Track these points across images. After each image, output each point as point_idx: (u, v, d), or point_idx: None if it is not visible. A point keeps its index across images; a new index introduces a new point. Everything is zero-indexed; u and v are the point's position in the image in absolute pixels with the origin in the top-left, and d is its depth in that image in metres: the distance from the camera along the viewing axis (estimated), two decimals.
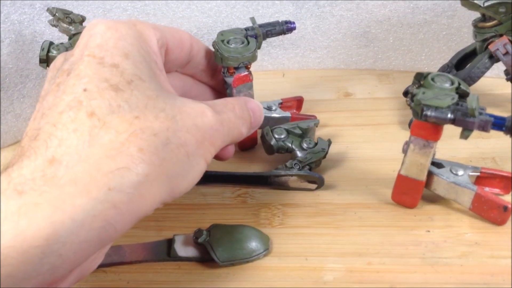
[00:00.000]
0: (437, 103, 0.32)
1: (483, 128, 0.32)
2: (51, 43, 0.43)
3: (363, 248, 0.35)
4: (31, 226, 0.23)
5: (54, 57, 0.42)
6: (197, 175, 0.29)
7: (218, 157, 0.35)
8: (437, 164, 0.37)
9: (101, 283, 0.34)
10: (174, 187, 0.28)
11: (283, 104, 0.47)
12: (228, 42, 0.39)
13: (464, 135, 0.32)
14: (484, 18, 0.46)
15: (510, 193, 0.38)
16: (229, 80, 0.40)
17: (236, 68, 0.40)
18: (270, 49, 0.59)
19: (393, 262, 0.34)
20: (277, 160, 0.43)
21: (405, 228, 0.37)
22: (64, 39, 0.47)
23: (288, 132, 0.42)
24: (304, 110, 0.49)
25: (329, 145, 0.42)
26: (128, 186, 0.25)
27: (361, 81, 0.56)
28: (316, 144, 0.42)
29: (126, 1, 0.55)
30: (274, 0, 0.56)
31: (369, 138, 0.47)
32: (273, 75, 0.58)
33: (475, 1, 0.44)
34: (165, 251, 0.35)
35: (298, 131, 0.42)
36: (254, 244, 0.35)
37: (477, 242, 0.35)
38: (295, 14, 0.57)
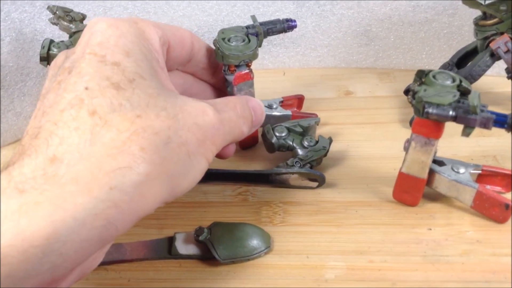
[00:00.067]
0: (438, 100, 0.32)
1: (485, 125, 0.32)
2: (51, 41, 0.43)
3: (364, 246, 0.35)
4: (32, 225, 0.23)
5: (54, 55, 0.42)
6: (198, 174, 0.29)
7: (219, 155, 0.34)
8: (438, 162, 0.37)
9: (102, 280, 0.34)
10: (175, 186, 0.28)
11: (283, 103, 0.47)
12: (229, 40, 0.39)
13: (466, 132, 0.32)
14: (485, 16, 0.46)
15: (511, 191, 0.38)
16: (230, 78, 0.40)
17: (237, 66, 0.39)
18: (271, 47, 0.59)
19: (395, 260, 0.34)
20: (278, 158, 0.43)
21: (406, 226, 0.37)
22: (65, 37, 0.46)
23: (289, 130, 0.42)
24: (305, 109, 0.49)
25: (330, 143, 0.42)
26: (130, 185, 0.25)
27: (362, 80, 0.56)
28: (317, 142, 0.42)
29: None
30: None
31: (370, 137, 0.47)
32: (273, 74, 0.58)
33: None
34: (166, 249, 0.35)
35: (299, 129, 0.42)
36: (255, 242, 0.35)
37: (479, 240, 0.35)
38: (296, 12, 0.57)
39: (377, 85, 0.55)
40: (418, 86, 0.34)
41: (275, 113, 0.46)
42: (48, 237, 0.23)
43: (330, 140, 0.42)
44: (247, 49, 0.39)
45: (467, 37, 0.54)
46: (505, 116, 0.32)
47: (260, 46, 0.41)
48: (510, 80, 0.46)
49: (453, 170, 0.37)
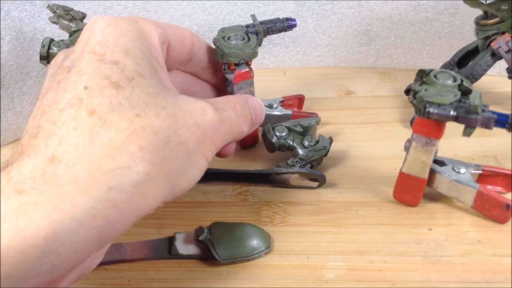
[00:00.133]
0: (439, 100, 0.32)
1: (486, 125, 0.32)
2: (51, 40, 0.43)
3: (364, 247, 0.35)
4: (31, 225, 0.22)
5: (54, 54, 0.42)
6: (198, 173, 0.29)
7: (218, 154, 0.34)
8: (439, 162, 0.37)
9: (102, 280, 0.34)
10: (175, 186, 0.28)
11: (284, 102, 0.47)
12: (228, 39, 0.39)
13: (467, 132, 0.32)
14: (486, 16, 0.46)
15: None
16: (230, 77, 0.40)
17: (237, 65, 0.39)
18: (271, 47, 0.59)
19: (395, 260, 0.34)
20: (278, 158, 0.43)
21: (406, 226, 0.37)
22: (65, 36, 0.46)
23: (290, 130, 0.42)
24: (305, 108, 0.49)
25: (330, 143, 0.42)
26: (129, 185, 0.25)
27: (363, 79, 0.56)
28: (317, 142, 0.42)
29: None
30: None
31: (371, 136, 0.46)
32: (274, 73, 0.58)
33: None
34: (166, 249, 0.35)
35: (299, 129, 0.42)
36: (255, 242, 0.35)
37: (479, 240, 0.35)
38: (296, 12, 0.57)
39: (377, 84, 0.55)
40: (419, 85, 0.34)
41: (276, 112, 0.45)
42: (47, 237, 0.23)
43: (331, 140, 0.42)
44: (247, 47, 0.39)
45: (468, 37, 0.54)
46: (506, 116, 0.32)
47: (260, 45, 0.41)
48: (511, 80, 0.46)
49: (454, 170, 0.37)
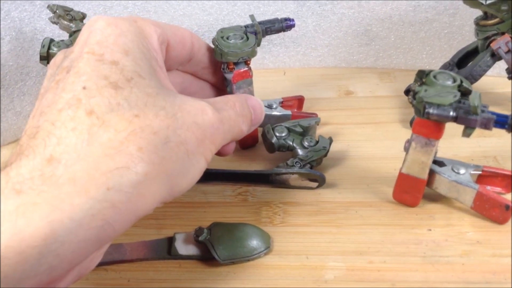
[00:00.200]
0: (439, 101, 0.32)
1: (486, 126, 0.32)
2: (51, 40, 0.43)
3: (364, 247, 0.35)
4: (29, 225, 0.22)
5: (54, 54, 0.42)
6: (197, 173, 0.29)
7: (218, 153, 0.34)
8: (438, 163, 0.37)
9: (102, 281, 0.34)
10: (174, 186, 0.28)
11: (283, 103, 0.47)
12: (227, 38, 0.39)
13: (466, 133, 0.32)
14: (486, 16, 0.46)
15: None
16: (229, 76, 0.40)
17: (236, 64, 0.39)
18: (271, 47, 0.59)
19: (394, 260, 0.34)
20: (278, 158, 0.43)
21: (406, 226, 0.37)
22: (65, 36, 0.46)
23: (289, 130, 0.42)
24: (305, 108, 0.49)
25: (330, 143, 0.42)
26: (127, 185, 0.25)
27: (362, 80, 0.56)
28: (317, 142, 0.42)
29: None
30: None
31: (370, 137, 0.46)
32: (274, 73, 0.58)
33: None
34: (165, 249, 0.35)
35: (299, 129, 0.42)
36: (255, 243, 0.35)
37: (479, 240, 0.35)
38: (296, 12, 0.57)
39: (377, 85, 0.55)
40: (419, 86, 0.34)
41: (275, 113, 0.46)
42: (46, 237, 0.23)
43: (330, 140, 0.42)
44: (246, 46, 0.39)
45: (467, 37, 0.54)
46: (505, 116, 0.32)
47: (258, 45, 0.41)
48: (510, 81, 0.46)
49: (453, 171, 0.37)
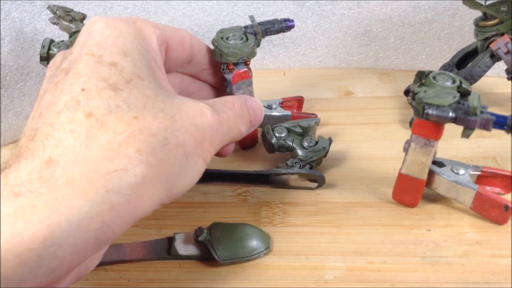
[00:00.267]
0: (438, 102, 0.32)
1: (485, 126, 0.32)
2: (51, 41, 0.43)
3: (364, 247, 0.35)
4: (28, 228, 0.22)
5: (55, 55, 0.42)
6: (196, 175, 0.29)
7: (217, 154, 0.34)
8: (438, 163, 0.37)
9: (102, 281, 0.34)
10: (173, 188, 0.27)
11: (283, 104, 0.47)
12: (227, 39, 0.39)
13: (466, 134, 0.32)
14: (485, 17, 0.46)
15: (511, 192, 0.38)
16: (229, 76, 0.40)
17: (235, 65, 0.40)
18: (271, 47, 0.59)
19: (394, 261, 0.34)
20: (277, 159, 0.43)
21: (406, 227, 0.37)
22: (65, 37, 0.46)
23: (289, 130, 0.42)
24: (305, 109, 0.49)
25: (330, 144, 0.42)
26: (126, 187, 0.25)
27: (362, 80, 0.56)
28: (317, 142, 0.42)
29: None
30: None
31: (370, 137, 0.47)
32: (274, 74, 0.58)
33: (476, 0, 0.44)
34: (165, 250, 0.35)
35: (298, 130, 0.42)
36: (254, 243, 0.35)
37: (478, 241, 0.35)
38: (296, 12, 0.57)
39: (377, 85, 0.55)
40: (418, 87, 0.34)
41: (275, 113, 0.46)
42: (44, 240, 0.23)
43: (330, 141, 0.42)
44: (245, 47, 0.39)
45: (467, 38, 0.54)
46: (504, 117, 0.32)
47: (258, 46, 0.41)
48: (510, 81, 0.46)
49: (453, 171, 0.37)
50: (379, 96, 0.53)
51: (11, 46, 0.49)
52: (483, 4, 0.44)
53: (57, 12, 0.45)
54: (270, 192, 0.41)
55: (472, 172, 0.37)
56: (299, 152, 0.41)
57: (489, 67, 0.46)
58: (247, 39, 0.40)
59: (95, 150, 0.25)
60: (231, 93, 0.41)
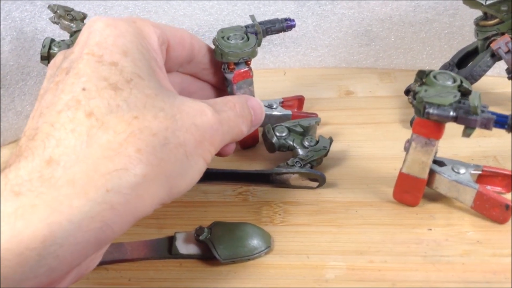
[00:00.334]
0: (439, 101, 0.32)
1: (486, 126, 0.32)
2: (52, 40, 0.43)
3: (364, 246, 0.35)
4: (28, 227, 0.22)
5: (55, 54, 0.42)
6: (196, 175, 0.29)
7: (218, 154, 0.34)
8: (438, 163, 0.37)
9: (103, 280, 0.34)
10: (173, 187, 0.27)
11: (284, 103, 0.47)
12: (228, 39, 0.39)
13: (467, 133, 0.32)
14: (486, 17, 0.46)
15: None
16: (229, 76, 0.40)
17: (236, 64, 0.40)
18: (272, 47, 0.59)
19: (395, 260, 0.34)
20: (278, 158, 0.43)
21: (406, 226, 0.37)
22: (66, 36, 0.46)
23: (290, 130, 0.42)
24: (305, 109, 0.49)
25: (330, 143, 0.42)
26: (126, 187, 0.25)
27: (362, 80, 0.56)
28: (317, 142, 0.42)
29: None
30: None
31: (371, 137, 0.47)
32: (274, 74, 0.58)
33: (477, 0, 0.44)
34: (166, 249, 0.35)
35: (299, 129, 0.42)
36: (255, 242, 0.35)
37: (479, 240, 0.35)
38: (297, 12, 0.57)
39: (377, 85, 0.55)
40: (419, 86, 0.34)
41: (275, 112, 0.46)
42: (44, 239, 0.23)
43: (331, 140, 0.42)
44: (246, 47, 0.39)
45: (467, 37, 0.54)
46: (505, 116, 0.32)
47: (259, 45, 0.41)
48: (510, 81, 0.46)
49: (454, 171, 0.37)
50: (379, 96, 0.53)
51: (12, 45, 0.49)
52: (484, 3, 0.44)
53: (58, 11, 0.45)
54: (270, 191, 0.41)
55: (472, 172, 0.37)
56: (300, 152, 0.41)
57: (489, 67, 0.46)
58: (248, 38, 0.40)
59: (95, 149, 0.25)
60: (232, 93, 0.41)
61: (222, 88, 0.41)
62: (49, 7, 0.45)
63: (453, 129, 0.34)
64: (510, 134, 0.32)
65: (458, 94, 0.33)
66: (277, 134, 0.42)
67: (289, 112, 0.46)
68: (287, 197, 0.40)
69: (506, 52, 0.44)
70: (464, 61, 0.49)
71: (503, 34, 0.45)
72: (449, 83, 0.34)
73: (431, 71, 0.34)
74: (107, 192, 0.24)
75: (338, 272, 0.34)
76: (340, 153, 0.44)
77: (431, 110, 0.32)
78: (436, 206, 0.38)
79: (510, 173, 0.37)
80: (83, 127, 0.25)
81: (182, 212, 0.39)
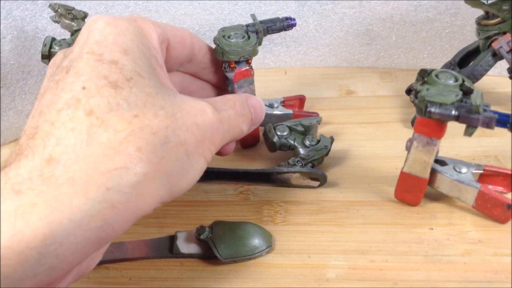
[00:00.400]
0: (441, 100, 0.32)
1: (488, 125, 0.32)
2: (53, 39, 0.43)
3: (365, 246, 0.35)
4: (28, 226, 0.22)
5: (56, 53, 0.42)
6: (197, 173, 0.29)
7: (218, 153, 0.34)
8: (440, 162, 0.37)
9: (103, 279, 0.34)
10: (173, 186, 0.27)
11: (285, 103, 0.47)
12: (229, 37, 0.39)
13: (468, 132, 0.32)
14: (487, 16, 0.46)
15: None
16: (230, 75, 0.40)
17: (237, 63, 0.40)
18: (272, 46, 0.59)
19: (396, 259, 0.34)
20: (279, 158, 0.43)
21: (408, 226, 0.37)
22: (66, 35, 0.46)
23: (291, 129, 0.42)
24: (306, 108, 0.49)
25: (331, 143, 0.42)
26: (127, 185, 0.25)
27: (363, 79, 0.56)
28: (318, 141, 0.42)
29: None
30: None
31: (372, 136, 0.46)
32: (275, 73, 0.58)
33: None
34: (167, 248, 0.35)
35: (300, 129, 0.42)
36: (256, 241, 0.35)
37: (480, 240, 0.35)
38: (297, 11, 0.57)
39: (378, 84, 0.55)
40: (421, 85, 0.34)
41: (276, 112, 0.46)
42: (44, 238, 0.22)
43: (332, 140, 0.42)
44: (247, 45, 0.39)
45: (469, 37, 0.54)
46: (507, 115, 0.32)
47: (260, 44, 0.41)
48: (511, 80, 0.46)
49: (455, 170, 0.37)
50: (380, 95, 0.53)
51: (12, 44, 0.49)
52: (485, 3, 0.44)
53: (59, 10, 0.45)
54: (271, 190, 0.41)
55: (474, 171, 0.37)
56: (301, 151, 0.41)
57: (491, 66, 0.45)
58: (249, 37, 0.40)
59: (95, 148, 0.25)
60: (232, 92, 0.40)
61: (222, 87, 0.41)
62: (50, 6, 0.45)
63: (454, 129, 0.34)
64: (511, 134, 0.32)
65: (460, 93, 0.33)
66: (278, 133, 0.42)
67: (290, 111, 0.46)
68: (288, 196, 0.40)
69: (508, 52, 0.44)
70: (466, 60, 0.49)
71: (504, 33, 0.45)
72: (451, 82, 0.34)
73: (433, 70, 0.34)
74: (107, 191, 0.24)
75: (339, 272, 0.33)
76: (341, 152, 0.44)
77: (433, 109, 0.32)
78: (438, 206, 0.38)
79: (511, 172, 0.37)
80: (83, 125, 0.25)
81: (183, 211, 0.39)
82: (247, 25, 0.41)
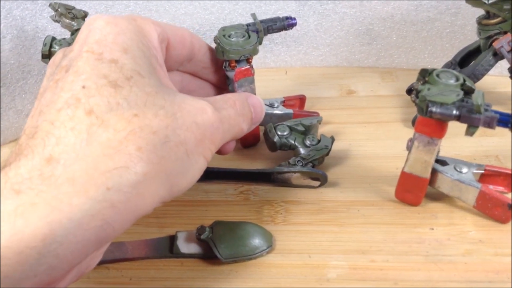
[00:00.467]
0: (442, 99, 0.32)
1: (489, 124, 0.31)
2: (53, 39, 0.43)
3: (366, 246, 0.35)
4: (28, 226, 0.22)
5: None
6: (197, 173, 0.29)
7: (218, 152, 0.34)
8: (441, 162, 0.37)
9: (104, 279, 0.34)
10: (174, 185, 0.27)
11: (285, 103, 0.47)
12: (229, 36, 0.39)
13: (470, 131, 0.32)
14: (488, 15, 0.45)
15: None
16: (231, 74, 0.40)
17: (238, 62, 0.40)
18: (273, 46, 0.59)
19: (397, 259, 0.34)
20: (280, 157, 0.43)
21: (408, 225, 0.36)
22: (67, 34, 0.46)
23: (291, 129, 0.42)
24: (307, 108, 0.49)
25: (332, 142, 0.42)
26: (127, 185, 0.25)
27: (364, 79, 0.56)
28: (319, 141, 0.42)
29: None
30: None
31: (372, 136, 0.46)
32: (275, 73, 0.58)
33: None
34: (167, 248, 0.35)
35: (301, 128, 0.42)
36: (257, 241, 0.35)
37: (481, 240, 0.35)
38: (298, 11, 0.57)
39: (379, 84, 0.55)
40: (422, 85, 0.34)
41: (277, 111, 0.45)
42: (44, 238, 0.22)
43: (332, 139, 0.42)
44: (247, 44, 0.39)
45: (470, 36, 0.54)
46: (508, 115, 0.32)
47: (260, 43, 0.41)
48: None
49: (456, 170, 0.37)
50: (381, 95, 0.53)
51: (13, 44, 0.49)
52: (486, 2, 0.44)
53: (59, 9, 0.45)
54: (272, 190, 0.41)
55: (475, 171, 0.37)
56: (301, 151, 0.41)
57: (492, 66, 0.45)
58: (249, 36, 0.40)
59: (95, 147, 0.25)
60: (233, 91, 0.40)
61: (222, 86, 0.41)
62: (50, 5, 0.45)
63: (455, 128, 0.34)
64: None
65: (461, 92, 0.33)
66: (279, 133, 0.42)
67: (290, 111, 0.46)
68: (288, 196, 0.40)
69: (509, 51, 0.44)
70: (466, 60, 0.49)
71: (505, 33, 0.45)
72: (452, 81, 0.34)
73: (434, 70, 0.34)
74: (107, 190, 0.24)
75: (340, 272, 0.33)
76: (342, 152, 0.44)
77: (434, 109, 0.32)
78: (438, 206, 0.38)
79: None
80: (83, 125, 0.25)
81: (183, 211, 0.39)
82: (248, 25, 0.41)
